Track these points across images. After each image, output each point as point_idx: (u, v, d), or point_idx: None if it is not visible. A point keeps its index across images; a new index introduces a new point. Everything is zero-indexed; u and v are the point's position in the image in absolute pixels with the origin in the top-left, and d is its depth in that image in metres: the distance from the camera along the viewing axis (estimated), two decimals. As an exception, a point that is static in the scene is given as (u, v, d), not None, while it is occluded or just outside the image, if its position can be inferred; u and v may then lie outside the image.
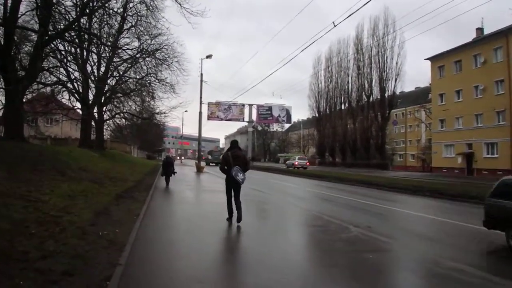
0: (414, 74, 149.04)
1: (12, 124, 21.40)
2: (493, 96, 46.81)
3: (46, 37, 21.91)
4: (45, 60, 27.18)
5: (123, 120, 48.34)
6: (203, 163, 52.89)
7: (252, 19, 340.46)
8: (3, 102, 25.09)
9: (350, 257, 8.00)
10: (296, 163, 66.37)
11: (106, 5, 25.11)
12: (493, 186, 9.85)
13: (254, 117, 75.67)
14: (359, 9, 19.62)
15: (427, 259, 7.98)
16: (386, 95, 74.51)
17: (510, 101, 44.36)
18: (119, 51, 32.64)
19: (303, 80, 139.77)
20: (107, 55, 34.21)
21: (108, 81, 38.32)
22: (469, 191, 20.72)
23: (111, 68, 37.22)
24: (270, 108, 76.20)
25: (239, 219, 11.03)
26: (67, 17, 23.89)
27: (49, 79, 31.73)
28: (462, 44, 52.94)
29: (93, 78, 34.99)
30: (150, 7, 27.53)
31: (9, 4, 20.34)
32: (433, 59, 57.82)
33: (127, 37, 35.99)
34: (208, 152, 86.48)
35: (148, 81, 38.88)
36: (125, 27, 33.68)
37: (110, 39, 33.02)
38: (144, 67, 36.84)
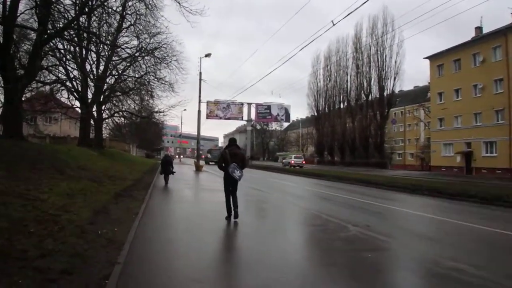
0: (413, 73, 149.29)
1: (11, 122, 21.40)
2: (492, 95, 46.88)
3: (45, 36, 21.91)
4: (44, 58, 27.21)
5: (122, 118, 48.42)
6: (202, 162, 52.89)
7: (251, 18, 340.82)
8: (2, 100, 25.09)
9: (349, 256, 8.00)
10: (293, 161, 67.28)
11: (105, 3, 25.13)
12: None
13: (253, 116, 75.73)
14: (357, 8, 19.66)
15: (426, 259, 7.97)
16: (385, 94, 74.65)
17: (509, 100, 44.42)
18: (118, 49, 32.68)
19: (302, 79, 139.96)
20: (106, 53, 34.23)
21: (107, 79, 38.31)
22: (468, 190, 20.74)
23: (110, 67, 37.23)
24: (269, 107, 76.21)
25: (236, 216, 11.35)
26: (66, 15, 23.86)
27: (48, 77, 31.75)
28: (461, 43, 52.96)
29: (92, 77, 35.02)
30: (149, 5, 27.53)
31: (8, 3, 20.32)
32: (432, 58, 57.87)
33: (126, 36, 36.06)
34: (207, 150, 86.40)
35: (147, 80, 38.97)
36: (124, 25, 33.73)
37: (109, 37, 32.99)
38: (143, 66, 36.91)
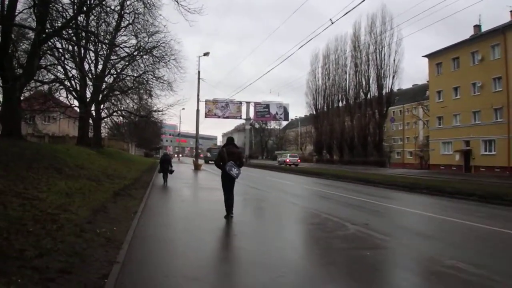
0: (411, 71, 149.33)
1: (10, 122, 21.38)
2: (490, 93, 46.92)
3: (44, 35, 21.89)
4: (43, 58, 27.18)
5: (121, 118, 48.50)
6: (200, 161, 52.91)
7: (250, 17, 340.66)
8: (1, 100, 25.06)
9: (347, 255, 8.00)
10: (288, 160, 68.16)
11: (104, 2, 25.13)
12: None
13: (251, 114, 75.84)
14: (356, 6, 19.60)
15: (425, 257, 7.98)
16: (383, 92, 74.77)
17: (507, 98, 44.49)
18: (117, 48, 32.63)
19: (301, 78, 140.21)
20: (105, 53, 34.14)
21: (106, 79, 38.24)
22: (467, 189, 20.76)
23: (109, 66, 37.14)
24: (267, 106, 76.27)
25: (231, 212, 11.74)
26: (64, 15, 23.84)
27: (47, 77, 31.72)
28: (460, 41, 53.03)
29: (90, 76, 34.95)
30: (147, 4, 27.53)
31: (6, 2, 20.30)
32: (430, 56, 57.93)
33: (124, 35, 36.03)
34: (207, 149, 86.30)
35: (146, 79, 38.93)
36: (122, 24, 33.74)
37: (108, 37, 32.94)
38: (142, 65, 36.87)
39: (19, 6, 22.64)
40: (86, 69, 34.82)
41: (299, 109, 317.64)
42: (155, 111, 47.34)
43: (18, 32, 25.27)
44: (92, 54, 35.57)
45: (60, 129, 58.40)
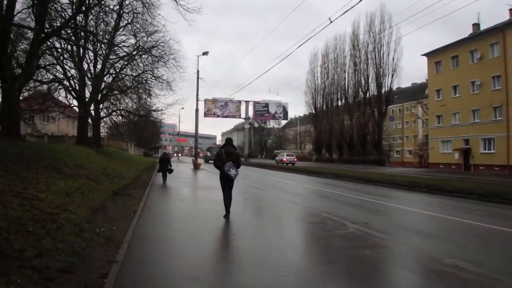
0: (411, 70, 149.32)
1: (9, 121, 21.36)
2: (490, 92, 46.93)
3: (42, 35, 21.87)
4: (42, 57, 27.14)
5: (120, 117, 48.43)
6: (200, 160, 52.91)
7: (249, 16, 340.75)
8: (0, 100, 25.04)
9: (347, 254, 8.02)
10: (285, 159, 69.41)
11: (102, 2, 25.12)
12: None
13: (250, 113, 75.66)
14: (355, 5, 19.59)
15: (424, 255, 7.99)
16: (382, 91, 74.57)
17: (506, 96, 44.50)
18: (116, 48, 32.66)
19: (300, 77, 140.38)
20: (104, 52, 34.12)
21: (105, 78, 38.27)
22: (466, 187, 20.76)
23: (108, 66, 37.16)
24: (266, 105, 76.14)
25: (229, 210, 11.97)
26: (63, 14, 23.85)
27: (46, 76, 31.67)
28: (459, 39, 53.03)
29: (89, 76, 34.96)
30: (146, 4, 27.53)
31: (5, 2, 20.29)
32: (429, 54, 57.91)
33: (123, 35, 36.02)
34: (207, 148, 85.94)
35: (145, 78, 38.91)
36: (121, 24, 33.78)
37: (107, 36, 32.95)
38: (141, 64, 36.88)
39: (18, 6, 22.68)
40: (85, 69, 34.81)
41: (298, 108, 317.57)
42: (154, 110, 47.28)
43: (17, 32, 25.27)
44: (91, 53, 35.56)
45: (59, 128, 58.37)
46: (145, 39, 34.63)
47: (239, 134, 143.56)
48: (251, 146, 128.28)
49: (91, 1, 25.06)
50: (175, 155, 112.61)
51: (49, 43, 25.96)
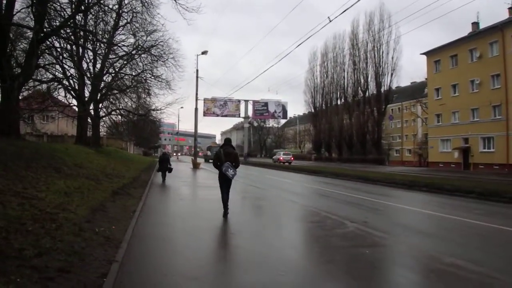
0: (410, 69, 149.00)
1: (8, 121, 21.35)
2: (489, 91, 46.92)
3: (42, 34, 21.85)
4: (41, 57, 27.08)
5: (119, 116, 48.32)
6: (200, 160, 52.93)
7: (248, 15, 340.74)
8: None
9: (346, 253, 8.02)
10: (281, 158, 69.56)
11: (101, 1, 25.08)
12: None
13: (250, 113, 75.68)
14: (354, 4, 19.58)
15: (424, 254, 7.99)
16: (382, 90, 74.60)
17: (506, 95, 44.49)
18: (115, 47, 32.62)
19: (299, 76, 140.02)
20: (103, 52, 34.09)
21: (104, 78, 38.27)
22: (466, 186, 20.77)
23: (107, 65, 37.14)
24: (266, 104, 76.13)
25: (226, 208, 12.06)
26: (62, 14, 23.82)
27: (45, 76, 31.63)
28: (458, 38, 53.05)
29: (89, 75, 34.90)
30: (145, 3, 27.52)
31: (4, 1, 20.28)
32: (429, 53, 57.90)
33: (122, 34, 36.00)
34: (207, 148, 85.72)
35: (144, 78, 38.81)
36: (120, 23, 33.77)
37: (106, 36, 32.96)
38: (140, 64, 36.82)
39: (17, 6, 22.64)
40: (85, 68, 34.77)
41: (297, 107, 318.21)
42: (153, 109, 47.26)
43: (16, 31, 25.23)
44: (90, 53, 35.51)
45: (59, 128, 58.31)
46: (144, 38, 34.64)
47: (239, 133, 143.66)
48: (251, 145, 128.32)
49: (90, 1, 25.00)
50: (174, 154, 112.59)
51: (48, 42, 25.94)
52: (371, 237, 9.32)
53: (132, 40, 34.43)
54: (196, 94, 52.57)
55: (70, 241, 7.13)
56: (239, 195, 17.83)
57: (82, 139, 36.30)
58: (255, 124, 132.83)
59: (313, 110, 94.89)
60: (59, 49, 29.28)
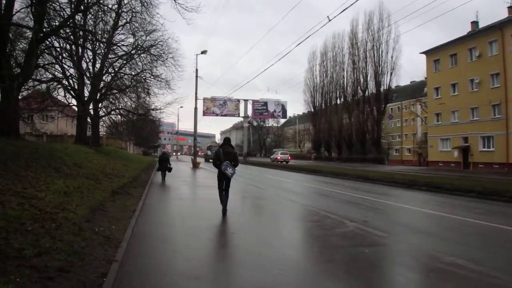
0: (409, 68, 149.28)
1: (8, 121, 21.33)
2: (488, 90, 46.90)
3: (41, 34, 21.83)
4: (40, 57, 27.06)
5: (119, 116, 48.31)
6: (199, 159, 52.93)
7: (248, 15, 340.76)
8: (-1, 99, 25.02)
9: (346, 252, 8.02)
10: (279, 157, 70.43)
11: (101, 1, 25.06)
12: None
13: (249, 112, 75.69)
14: (353, 3, 19.57)
15: (424, 254, 7.98)
16: (381, 89, 74.60)
17: (505, 94, 44.48)
18: (114, 47, 32.58)
19: (299, 75, 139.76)
20: (102, 51, 34.08)
21: (104, 77, 38.30)
22: (466, 185, 20.78)
23: (107, 65, 37.12)
24: (265, 104, 76.15)
25: (225, 207, 12.22)
26: (62, 14, 23.78)
27: (45, 76, 31.63)
28: (457, 37, 52.98)
29: (88, 75, 34.89)
30: (145, 3, 27.50)
31: (4, 1, 20.27)
32: (428, 53, 57.88)
33: (122, 34, 36.00)
34: (207, 147, 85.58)
35: (144, 77, 38.84)
36: (120, 23, 33.75)
37: (105, 35, 32.96)
38: (139, 63, 36.86)
39: (17, 5, 22.63)
40: (84, 68, 34.76)
41: (297, 107, 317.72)
42: (153, 109, 47.28)
43: (16, 31, 25.22)
44: (90, 53, 35.46)
45: (58, 128, 58.32)
46: (143, 38, 34.68)
47: (238, 132, 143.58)
48: (250, 145, 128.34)
49: (89, 0, 24.97)
50: (174, 154, 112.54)
51: (48, 42, 25.92)
52: (371, 237, 9.33)
53: (131, 40, 34.51)
54: (196, 93, 52.61)
55: (70, 240, 7.14)
56: (239, 195, 17.84)
57: (82, 139, 36.29)
58: (255, 123, 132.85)
59: (312, 110, 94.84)
60: (58, 49, 29.28)
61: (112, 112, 44.44)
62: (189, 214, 13.14)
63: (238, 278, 6.33)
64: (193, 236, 9.28)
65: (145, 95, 43.41)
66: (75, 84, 34.54)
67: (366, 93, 77.48)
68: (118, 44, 32.43)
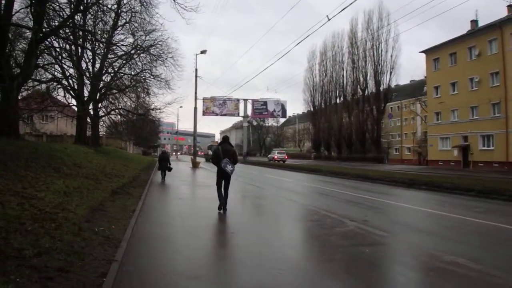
0: (409, 67, 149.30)
1: (8, 121, 21.33)
2: (488, 88, 46.90)
3: (41, 34, 21.81)
4: (40, 57, 27.05)
5: (119, 116, 48.38)
6: (199, 159, 52.92)
7: (248, 14, 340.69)
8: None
9: (346, 252, 8.01)
10: (276, 156, 70.71)
11: (100, 1, 25.04)
12: None
13: (249, 112, 75.74)
14: (352, 2, 19.55)
15: (424, 253, 7.97)
16: (381, 88, 74.68)
17: (505, 93, 44.49)
18: (114, 47, 32.59)
19: (298, 74, 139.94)
20: (102, 51, 34.09)
21: (103, 77, 38.30)
22: (465, 184, 20.79)
23: (106, 65, 37.12)
24: (265, 103, 76.19)
25: (224, 209, 12.42)
26: (61, 14, 23.76)
27: (44, 76, 31.66)
28: (457, 36, 52.96)
29: (88, 75, 34.86)
30: (144, 3, 27.53)
31: (3, 1, 20.27)
32: (428, 51, 57.90)
33: (121, 34, 36.00)
34: (208, 147, 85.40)
35: (143, 77, 38.87)
36: (119, 23, 33.78)
37: (105, 35, 32.95)
38: (139, 63, 36.85)
39: (16, 6, 22.62)
40: (84, 68, 34.74)
41: (296, 106, 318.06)
42: (152, 109, 47.36)
43: (15, 31, 25.22)
44: (89, 53, 35.44)
45: (58, 128, 58.34)
46: (143, 38, 34.67)
47: (238, 132, 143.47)
48: (250, 144, 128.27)
49: (89, 0, 24.96)
50: (174, 153, 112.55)
51: (47, 42, 25.90)
52: (371, 236, 9.33)
53: (131, 40, 34.51)
54: (195, 93, 52.66)
55: (70, 240, 7.14)
56: (239, 194, 17.86)
57: (82, 139, 36.30)
58: (254, 123, 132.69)
59: (312, 109, 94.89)
60: (58, 49, 29.26)
61: (112, 112, 44.52)
62: (189, 213, 13.15)
63: (238, 278, 6.32)
64: (193, 236, 9.27)
65: (144, 95, 43.48)
66: (75, 84, 34.56)
67: (366, 92, 77.56)
68: (118, 44, 32.43)
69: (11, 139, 18.66)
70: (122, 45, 33.06)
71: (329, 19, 21.05)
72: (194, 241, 8.73)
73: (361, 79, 78.26)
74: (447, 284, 6.17)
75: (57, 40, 28.12)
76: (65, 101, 38.21)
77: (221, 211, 12.28)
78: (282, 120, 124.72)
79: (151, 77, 38.42)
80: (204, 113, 72.42)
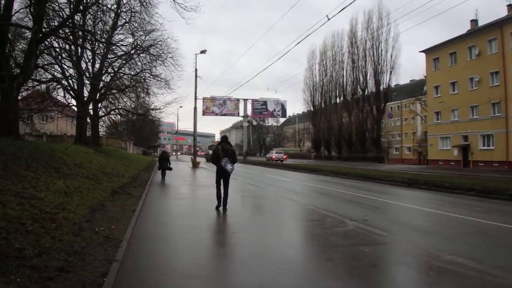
0: (409, 66, 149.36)
1: (8, 121, 21.32)
2: (488, 88, 46.86)
3: (40, 35, 21.79)
4: (40, 57, 27.04)
5: (118, 116, 48.40)
6: (199, 159, 52.92)
7: (247, 14, 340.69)
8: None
9: (346, 251, 8.00)
10: (274, 156, 71.33)
11: (100, 1, 25.01)
12: None
13: (249, 111, 75.89)
14: (352, 2, 19.53)
15: (424, 252, 7.97)
16: (381, 88, 74.70)
17: (505, 92, 44.46)
18: (114, 47, 32.54)
19: (298, 74, 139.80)
20: (102, 51, 34.05)
21: (103, 77, 38.30)
22: (466, 184, 20.79)
23: (106, 65, 37.08)
24: (265, 103, 76.30)
25: (224, 208, 12.66)
26: (61, 14, 23.74)
27: (44, 76, 31.68)
28: (457, 36, 52.91)
29: (88, 75, 34.84)
30: (144, 3, 27.49)
31: (3, 2, 20.27)
32: (428, 51, 57.86)
33: (121, 34, 35.97)
34: (208, 146, 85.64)
35: (143, 77, 38.83)
36: (119, 23, 33.71)
37: (104, 35, 32.91)
38: (139, 63, 36.81)
39: (16, 6, 22.62)
40: (84, 68, 34.70)
41: (296, 106, 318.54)
42: (152, 109, 47.37)
43: (15, 31, 25.21)
44: (89, 53, 35.40)
45: (58, 128, 58.37)
46: (143, 38, 34.61)
47: (238, 132, 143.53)
48: (250, 144, 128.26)
49: (88, 0, 24.94)
50: (174, 153, 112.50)
51: (47, 42, 25.88)
52: (371, 235, 9.32)
53: (130, 40, 34.44)
54: (195, 93, 52.64)
55: (70, 240, 7.13)
56: (239, 194, 17.86)
57: (82, 139, 36.32)
58: (254, 123, 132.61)
59: (312, 109, 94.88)
60: (58, 49, 29.25)
61: (112, 112, 44.54)
62: (189, 213, 13.16)
63: (238, 278, 6.32)
64: (193, 236, 9.27)
65: (144, 95, 43.44)
66: (75, 84, 34.56)
67: (366, 92, 77.60)
68: (117, 44, 32.37)
69: (11, 139, 18.65)
70: (122, 45, 33.02)
71: (328, 19, 21.03)
72: (194, 241, 8.73)
73: (361, 78, 78.36)
74: (447, 283, 6.17)
75: (56, 40, 28.11)
76: (65, 101, 38.28)
77: (219, 209, 12.46)
78: (282, 119, 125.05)
79: (151, 77, 38.46)
80: (204, 113, 72.54)
